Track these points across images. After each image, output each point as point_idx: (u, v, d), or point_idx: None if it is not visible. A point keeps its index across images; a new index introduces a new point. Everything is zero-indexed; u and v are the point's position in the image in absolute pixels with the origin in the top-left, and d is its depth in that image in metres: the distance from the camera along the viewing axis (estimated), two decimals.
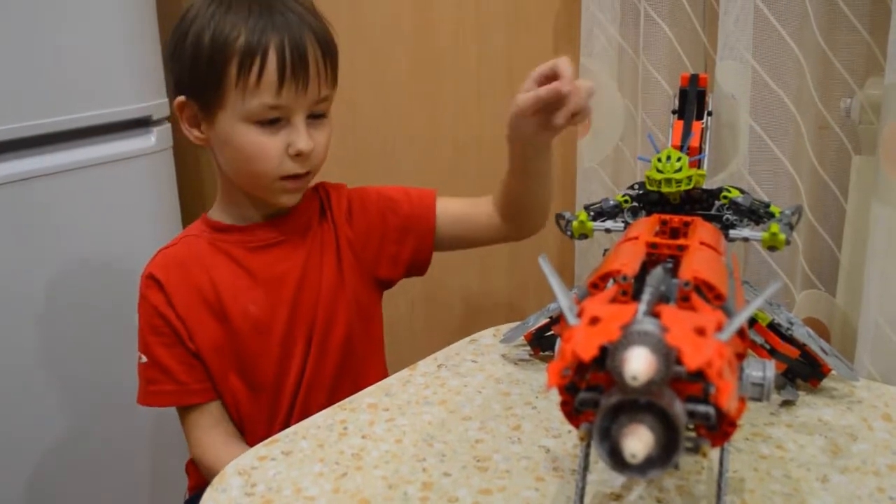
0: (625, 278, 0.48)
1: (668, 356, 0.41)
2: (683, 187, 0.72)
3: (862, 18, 1.07)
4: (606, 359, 0.43)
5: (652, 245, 0.59)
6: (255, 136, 0.92)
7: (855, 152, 1.10)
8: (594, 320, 0.45)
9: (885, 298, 0.99)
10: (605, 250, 0.83)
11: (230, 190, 1.00)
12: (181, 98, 0.95)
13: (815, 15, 1.06)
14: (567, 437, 0.76)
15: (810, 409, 0.81)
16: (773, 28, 1.09)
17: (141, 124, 1.43)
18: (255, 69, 0.89)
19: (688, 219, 0.67)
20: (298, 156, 0.93)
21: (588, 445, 0.57)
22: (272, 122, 0.92)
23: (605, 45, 1.27)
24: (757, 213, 0.76)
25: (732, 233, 0.74)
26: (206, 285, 0.98)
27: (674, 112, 0.83)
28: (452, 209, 1.07)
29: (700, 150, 0.79)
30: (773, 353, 0.79)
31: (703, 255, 0.56)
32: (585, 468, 0.57)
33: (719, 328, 0.43)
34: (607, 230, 0.79)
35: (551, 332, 0.88)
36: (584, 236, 0.80)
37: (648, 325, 0.43)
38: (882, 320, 0.99)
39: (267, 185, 0.95)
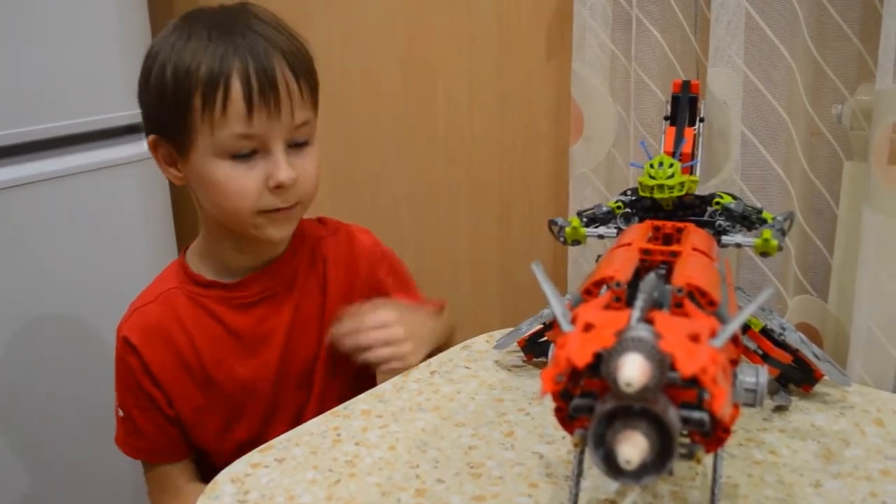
0: (618, 284, 0.48)
1: (662, 362, 0.41)
2: (676, 193, 0.73)
3: (853, 25, 1.08)
4: (600, 365, 0.43)
5: (645, 251, 0.59)
6: (230, 170, 0.86)
7: (846, 158, 1.11)
8: (588, 327, 0.45)
9: (877, 304, 0.99)
10: (599, 256, 0.83)
11: (215, 235, 0.94)
12: (153, 137, 0.90)
13: (806, 21, 1.07)
14: (561, 444, 0.76)
15: (803, 415, 0.81)
16: (764, 34, 1.09)
17: (132, 131, 1.42)
18: (220, 98, 0.83)
19: (680, 225, 0.67)
20: (279, 188, 0.86)
21: (582, 451, 0.57)
22: (248, 155, 0.86)
23: (597, 52, 1.27)
24: (749, 219, 0.76)
25: (725, 238, 0.75)
26: (187, 350, 0.93)
27: (666, 118, 0.83)
28: None
29: (692, 156, 0.79)
30: (765, 358, 0.79)
31: (695, 262, 0.56)
32: (579, 474, 0.57)
33: (713, 334, 0.44)
34: (600, 236, 0.79)
35: (544, 339, 0.88)
36: (576, 242, 0.80)
37: (642, 331, 0.43)
38: (874, 325, 1.00)
39: (246, 220, 0.88)
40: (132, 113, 1.40)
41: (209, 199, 0.89)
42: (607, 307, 0.47)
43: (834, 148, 1.13)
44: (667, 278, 0.54)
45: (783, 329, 0.79)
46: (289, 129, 0.87)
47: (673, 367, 0.41)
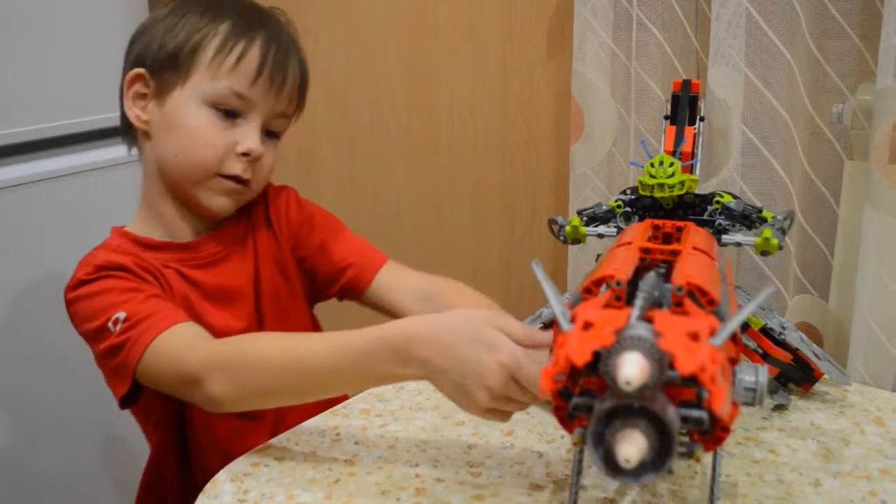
0: (618, 283, 0.48)
1: (661, 361, 0.42)
2: (676, 192, 0.73)
3: (853, 24, 1.08)
4: (599, 363, 0.43)
5: (645, 250, 0.59)
6: (209, 121, 0.87)
7: (847, 157, 1.11)
8: (587, 325, 0.45)
9: (877, 303, 0.99)
10: (599, 255, 0.83)
11: (157, 201, 0.92)
12: (137, 70, 0.90)
13: (806, 21, 1.07)
14: (560, 443, 0.76)
15: (803, 414, 0.81)
16: (764, 34, 1.09)
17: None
18: (237, 51, 0.87)
19: (680, 224, 0.67)
20: (245, 155, 0.88)
21: (581, 451, 0.57)
22: (230, 114, 0.88)
23: (597, 51, 1.27)
24: (749, 219, 0.76)
25: (725, 238, 0.75)
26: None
27: (666, 118, 0.83)
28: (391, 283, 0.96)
29: (692, 155, 0.79)
30: (765, 357, 0.79)
31: (695, 261, 0.56)
32: (579, 473, 0.57)
33: (712, 333, 0.44)
34: (600, 235, 0.79)
35: None
36: (576, 241, 0.80)
37: (642, 329, 0.43)
38: (874, 325, 1.00)
39: (202, 178, 0.88)
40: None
41: (174, 144, 0.88)
42: (607, 306, 0.47)
43: (834, 147, 1.13)
44: (667, 277, 0.54)
45: (783, 328, 0.79)
46: (273, 113, 0.91)
47: (672, 366, 0.41)
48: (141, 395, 0.83)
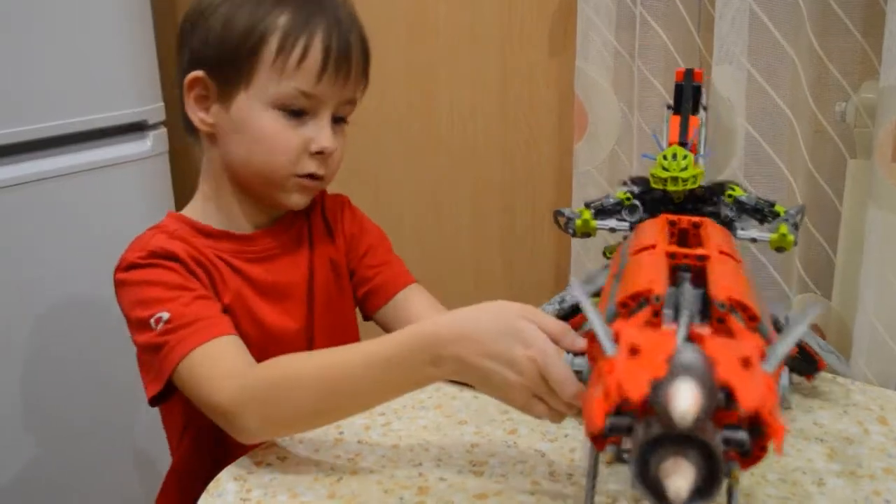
0: (657, 299, 0.46)
1: (712, 390, 0.39)
2: (689, 186, 0.71)
3: (856, 22, 1.07)
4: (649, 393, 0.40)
5: (671, 255, 0.56)
6: (279, 123, 0.84)
7: (850, 156, 1.10)
8: (634, 350, 0.42)
9: (881, 302, 0.99)
10: (606, 249, 0.82)
11: (218, 192, 0.90)
12: (197, 73, 0.85)
13: (809, 18, 1.06)
14: (563, 441, 0.76)
15: (807, 413, 0.80)
16: (768, 31, 1.09)
17: (136, 129, 1.42)
18: (299, 49, 0.82)
19: (696, 219, 0.66)
20: (319, 154, 0.86)
21: (596, 456, 0.55)
22: (298, 113, 0.85)
23: (600, 49, 1.27)
24: (762, 212, 0.75)
25: (741, 233, 0.72)
26: (211, 287, 0.86)
27: (669, 107, 0.82)
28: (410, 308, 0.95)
29: (699, 146, 0.78)
30: None
31: (729, 270, 0.53)
32: (594, 476, 0.54)
33: (762, 355, 0.42)
34: (612, 229, 0.77)
35: None
36: (586, 234, 0.78)
37: (693, 357, 0.40)
38: (878, 323, 0.99)
39: (280, 181, 0.86)
40: (137, 111, 1.41)
41: (244, 148, 0.86)
42: (648, 323, 0.45)
43: (838, 145, 1.12)
44: (694, 280, 0.53)
45: (787, 321, 0.78)
46: (341, 102, 0.87)
47: (731, 397, 0.40)
48: (172, 396, 0.81)
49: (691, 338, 0.43)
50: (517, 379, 0.62)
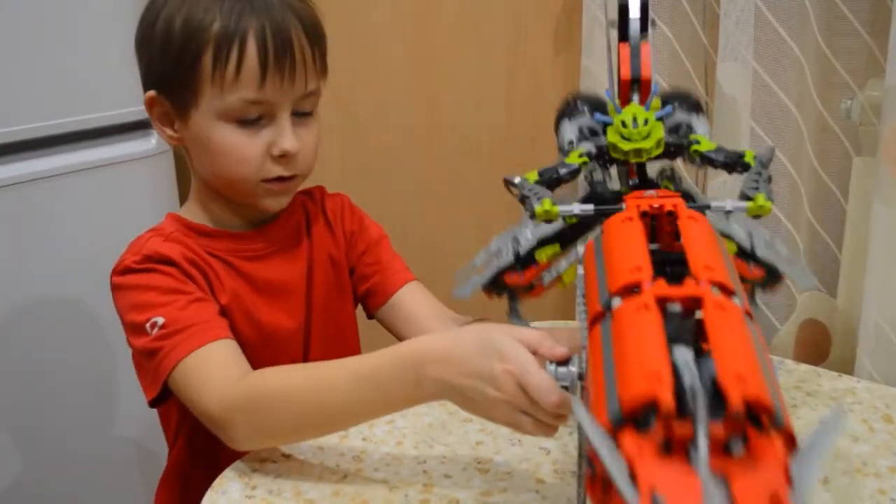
0: (669, 414, 0.38)
1: None
2: (654, 155, 0.65)
3: (862, 20, 1.07)
4: None
5: (659, 298, 0.44)
6: (234, 136, 0.82)
7: (855, 153, 1.10)
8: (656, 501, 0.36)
9: (886, 300, 0.99)
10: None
11: (208, 194, 0.89)
12: (151, 93, 0.84)
13: (815, 16, 1.06)
14: (568, 440, 0.76)
15: (810, 410, 0.80)
16: (773, 29, 1.09)
17: (140, 127, 1.42)
18: (234, 59, 0.79)
19: (670, 206, 0.54)
20: (283, 157, 0.83)
21: (585, 451, 0.52)
22: (253, 120, 0.82)
23: (605, 47, 1.27)
24: (731, 166, 0.67)
25: (715, 205, 0.60)
26: (207, 289, 0.86)
27: (613, 26, 0.72)
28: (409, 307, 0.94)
29: (652, 81, 0.68)
30: (743, 280, 0.64)
31: (736, 337, 0.42)
32: (583, 476, 0.53)
33: (789, 482, 0.36)
34: (575, 216, 0.64)
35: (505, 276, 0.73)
36: (549, 221, 0.68)
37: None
38: (883, 321, 0.99)
39: (250, 189, 0.85)
40: (141, 109, 1.40)
41: (208, 163, 0.85)
42: (665, 455, 0.38)
43: (843, 143, 1.12)
44: (685, 314, 0.43)
45: (751, 236, 0.70)
46: (298, 98, 0.84)
47: None
48: (171, 397, 0.81)
49: (713, 469, 0.37)
50: (497, 395, 0.61)
